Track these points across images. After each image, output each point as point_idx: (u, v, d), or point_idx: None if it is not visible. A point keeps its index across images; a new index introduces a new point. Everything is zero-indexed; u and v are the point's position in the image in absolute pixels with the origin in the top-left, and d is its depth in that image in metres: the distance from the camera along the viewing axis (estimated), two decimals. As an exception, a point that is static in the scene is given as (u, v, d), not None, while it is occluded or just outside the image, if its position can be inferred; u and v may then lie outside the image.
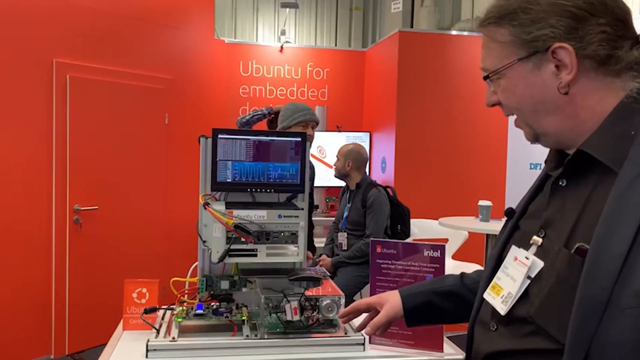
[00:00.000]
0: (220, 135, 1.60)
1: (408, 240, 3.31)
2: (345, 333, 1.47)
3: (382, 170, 4.62)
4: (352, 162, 3.39)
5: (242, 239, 1.55)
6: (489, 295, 0.89)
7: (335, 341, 1.45)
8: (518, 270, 0.83)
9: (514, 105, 0.85)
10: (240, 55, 4.99)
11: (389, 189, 3.38)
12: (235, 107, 4.84)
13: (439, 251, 1.43)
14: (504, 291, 0.85)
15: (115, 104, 3.76)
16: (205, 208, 1.55)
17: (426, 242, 1.47)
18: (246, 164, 1.62)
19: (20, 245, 3.33)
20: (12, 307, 3.29)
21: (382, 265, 1.48)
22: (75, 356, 3.46)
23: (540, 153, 0.95)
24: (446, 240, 3.92)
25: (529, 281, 0.80)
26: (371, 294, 1.48)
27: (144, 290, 1.58)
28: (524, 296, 0.81)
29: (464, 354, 1.48)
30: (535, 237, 0.84)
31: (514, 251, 0.87)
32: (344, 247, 3.36)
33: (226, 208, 1.56)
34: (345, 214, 3.41)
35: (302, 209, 1.63)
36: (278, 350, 1.42)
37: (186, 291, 1.70)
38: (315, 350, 1.43)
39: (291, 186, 1.65)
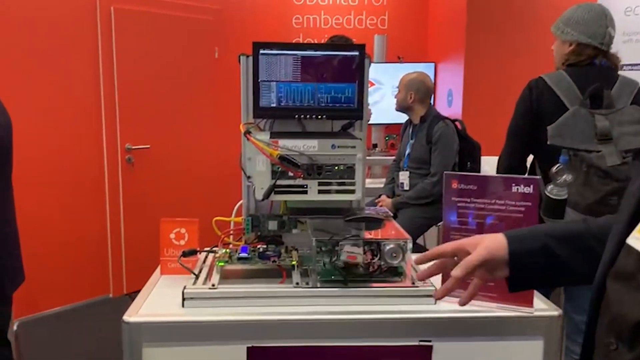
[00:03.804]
0: (262, 51, 1.35)
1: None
2: (413, 283, 1.24)
3: (449, 104, 4.25)
4: (415, 93, 3.07)
5: (290, 174, 1.33)
6: (636, 240, 0.62)
7: (400, 292, 1.23)
8: None
9: None
10: (293, -18, 4.64)
11: (457, 123, 3.05)
12: (289, 39, 4.53)
13: (531, 186, 1.15)
14: None
15: (162, 37, 3.57)
16: (246, 137, 1.33)
17: (515, 176, 1.19)
18: (293, 85, 1.37)
19: (73, 186, 3.30)
20: (70, 248, 3.30)
21: (458, 204, 1.22)
22: (133, 295, 3.45)
23: None
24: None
25: None
26: (444, 240, 1.24)
27: (183, 230, 1.41)
28: None
29: (559, 311, 1.23)
30: None
31: None
32: (406, 187, 3.10)
33: (270, 138, 1.33)
34: (408, 151, 3.13)
35: (361, 138, 1.37)
36: (332, 301, 1.21)
37: (231, 232, 1.52)
38: (375, 302, 1.22)
39: (347, 112, 1.40)
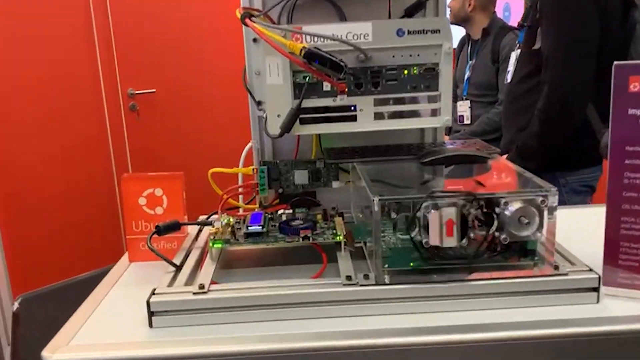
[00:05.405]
0: None
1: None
2: (556, 267, 0.69)
3: (506, 19, 3.56)
4: (475, -2, 2.43)
5: (326, 87, 0.77)
6: None
7: (538, 286, 0.68)
8: None
9: None
10: None
11: (530, 35, 2.41)
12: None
13: None
14: None
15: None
16: (245, 23, 0.78)
17: None
18: None
19: (71, 142, 2.85)
20: (75, 212, 2.91)
21: (642, 121, 0.66)
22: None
23: None
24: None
25: None
26: (610, 191, 0.68)
27: (159, 192, 0.88)
28: None
29: None
30: None
31: None
32: (466, 121, 2.51)
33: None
34: (467, 74, 2.51)
35: (445, 17, 0.80)
36: (414, 308, 0.68)
37: (240, 190, 0.99)
38: (495, 305, 0.68)
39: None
